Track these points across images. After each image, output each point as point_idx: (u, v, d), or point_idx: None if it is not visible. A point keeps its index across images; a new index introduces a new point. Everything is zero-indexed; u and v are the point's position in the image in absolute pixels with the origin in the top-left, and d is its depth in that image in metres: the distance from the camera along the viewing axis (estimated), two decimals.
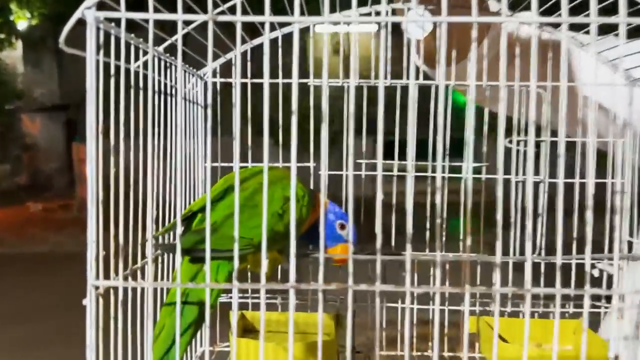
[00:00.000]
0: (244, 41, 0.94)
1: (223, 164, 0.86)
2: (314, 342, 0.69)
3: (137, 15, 0.49)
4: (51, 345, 3.74)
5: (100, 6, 0.49)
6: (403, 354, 0.93)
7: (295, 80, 0.53)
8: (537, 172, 0.81)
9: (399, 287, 0.49)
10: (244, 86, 0.87)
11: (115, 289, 0.53)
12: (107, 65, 0.53)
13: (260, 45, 0.93)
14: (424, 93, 0.93)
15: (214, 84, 0.86)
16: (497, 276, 0.54)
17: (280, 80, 0.84)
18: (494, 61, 0.86)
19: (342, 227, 0.82)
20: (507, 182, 0.82)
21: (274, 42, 0.93)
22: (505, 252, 0.82)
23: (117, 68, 0.54)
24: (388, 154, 0.99)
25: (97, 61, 0.49)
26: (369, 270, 0.83)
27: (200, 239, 0.65)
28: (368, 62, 0.95)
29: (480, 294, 0.92)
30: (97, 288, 0.51)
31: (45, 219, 8.87)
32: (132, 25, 0.55)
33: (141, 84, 0.56)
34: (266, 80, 0.51)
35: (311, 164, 0.89)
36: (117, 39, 0.55)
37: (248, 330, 0.83)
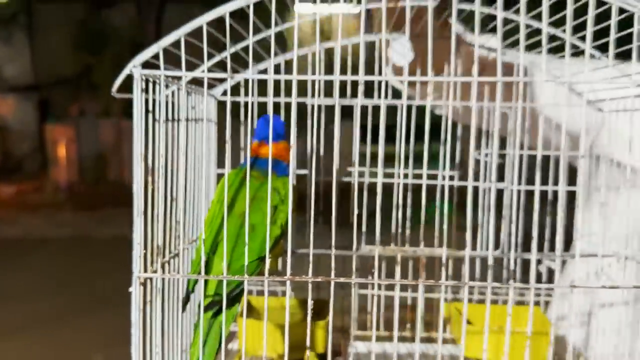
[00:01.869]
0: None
1: None
2: (299, 321, 0.86)
3: (172, 73, 0.63)
4: (26, 332, 3.72)
5: (144, 64, 0.62)
6: (378, 334, 1.09)
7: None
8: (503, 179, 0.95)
9: (391, 280, 0.64)
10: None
11: (151, 279, 0.66)
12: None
13: None
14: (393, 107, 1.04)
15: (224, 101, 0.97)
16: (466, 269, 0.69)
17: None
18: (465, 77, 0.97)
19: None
20: (477, 189, 0.97)
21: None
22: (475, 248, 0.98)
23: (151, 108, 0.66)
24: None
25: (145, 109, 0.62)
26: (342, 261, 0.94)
27: (215, 292, 0.71)
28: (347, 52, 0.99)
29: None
30: (139, 278, 0.65)
31: (18, 202, 8.79)
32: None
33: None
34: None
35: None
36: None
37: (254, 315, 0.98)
